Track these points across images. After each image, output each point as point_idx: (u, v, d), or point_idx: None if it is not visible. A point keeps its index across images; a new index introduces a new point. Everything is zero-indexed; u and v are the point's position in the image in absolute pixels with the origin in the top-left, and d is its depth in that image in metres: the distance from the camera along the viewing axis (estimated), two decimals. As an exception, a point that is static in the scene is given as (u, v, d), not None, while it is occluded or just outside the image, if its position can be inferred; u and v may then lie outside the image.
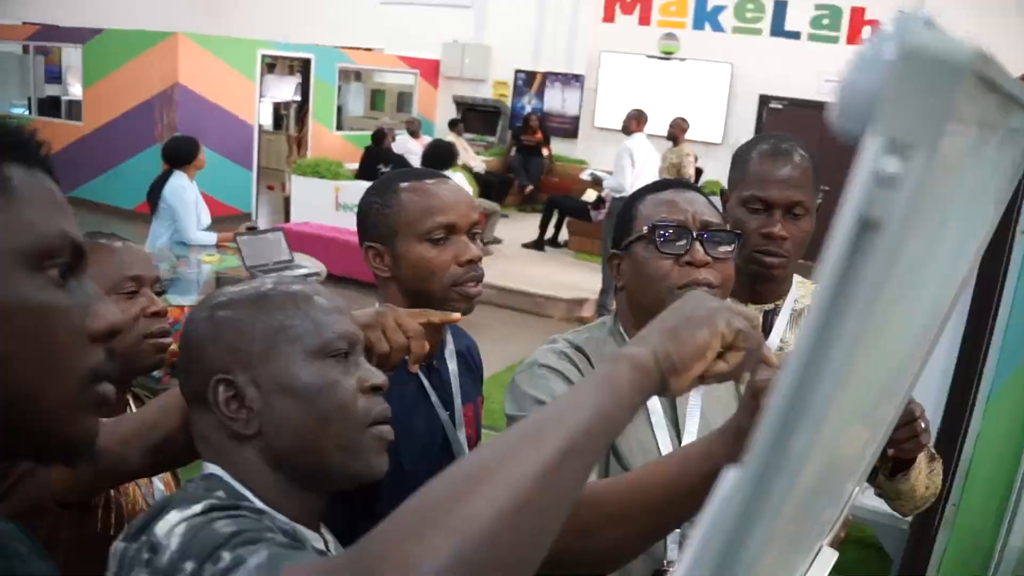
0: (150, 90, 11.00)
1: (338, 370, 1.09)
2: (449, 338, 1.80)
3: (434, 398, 1.70)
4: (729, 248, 1.45)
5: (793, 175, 1.83)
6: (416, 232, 1.62)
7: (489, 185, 12.31)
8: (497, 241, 10.63)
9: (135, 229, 5.95)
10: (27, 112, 12.56)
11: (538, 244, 10.83)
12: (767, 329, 1.93)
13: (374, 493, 1.61)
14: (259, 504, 1.05)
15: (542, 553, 0.72)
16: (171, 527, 0.91)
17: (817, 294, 0.30)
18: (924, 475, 1.84)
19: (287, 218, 10.16)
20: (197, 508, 0.93)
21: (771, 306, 1.95)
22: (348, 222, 9.38)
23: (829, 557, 1.39)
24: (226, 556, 0.84)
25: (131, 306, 1.58)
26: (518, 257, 10.32)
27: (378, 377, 1.13)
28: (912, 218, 0.30)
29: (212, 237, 5.90)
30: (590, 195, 9.86)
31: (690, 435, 1.46)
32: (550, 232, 10.96)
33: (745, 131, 12.60)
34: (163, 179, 5.80)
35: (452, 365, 1.77)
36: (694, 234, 1.43)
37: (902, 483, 1.76)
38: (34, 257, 0.71)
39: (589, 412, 0.77)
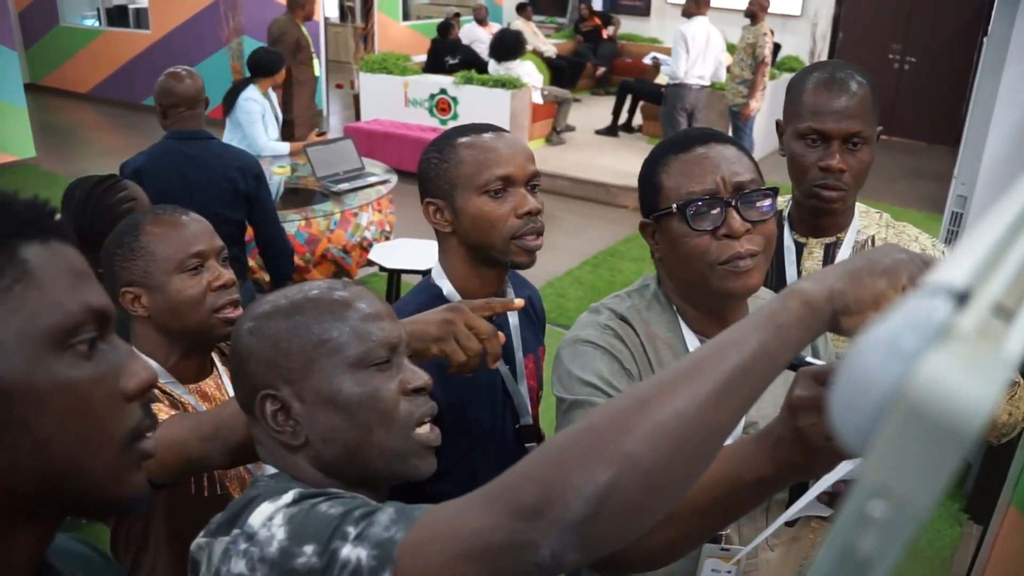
0: (214, -8, 10.91)
1: (379, 378, 1.09)
2: (510, 290, 1.78)
3: (494, 353, 1.70)
4: (768, 203, 1.34)
5: (850, 105, 1.75)
6: (474, 185, 1.61)
7: (560, 70, 12.03)
8: (570, 128, 10.45)
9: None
10: (97, 23, 12.59)
11: (611, 130, 10.60)
12: (829, 261, 1.88)
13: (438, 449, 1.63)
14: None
15: (691, 485, 0.76)
16: (267, 517, 0.92)
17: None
18: (1002, 400, 1.78)
19: (357, 116, 10.12)
20: (288, 498, 0.94)
21: (832, 239, 1.89)
22: (418, 118, 9.35)
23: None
24: (351, 530, 0.85)
25: (197, 282, 1.61)
26: (591, 144, 10.15)
27: (420, 378, 1.12)
28: (903, 549, 0.26)
29: (284, 147, 5.92)
30: (663, 78, 9.55)
31: None
32: (623, 117, 10.70)
33: (825, 2, 11.96)
34: (238, 88, 5.81)
35: (513, 318, 1.76)
36: (727, 201, 1.32)
37: None
38: (61, 336, 0.71)
39: (751, 350, 0.77)
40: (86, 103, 12.25)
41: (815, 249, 1.90)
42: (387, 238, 5.52)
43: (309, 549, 0.86)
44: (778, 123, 1.92)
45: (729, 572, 1.45)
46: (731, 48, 8.98)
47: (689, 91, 8.01)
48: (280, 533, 0.89)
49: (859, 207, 1.92)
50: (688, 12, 7.99)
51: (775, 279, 1.90)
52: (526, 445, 1.77)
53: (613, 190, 8.56)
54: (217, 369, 1.75)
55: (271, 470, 1.11)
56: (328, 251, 5.05)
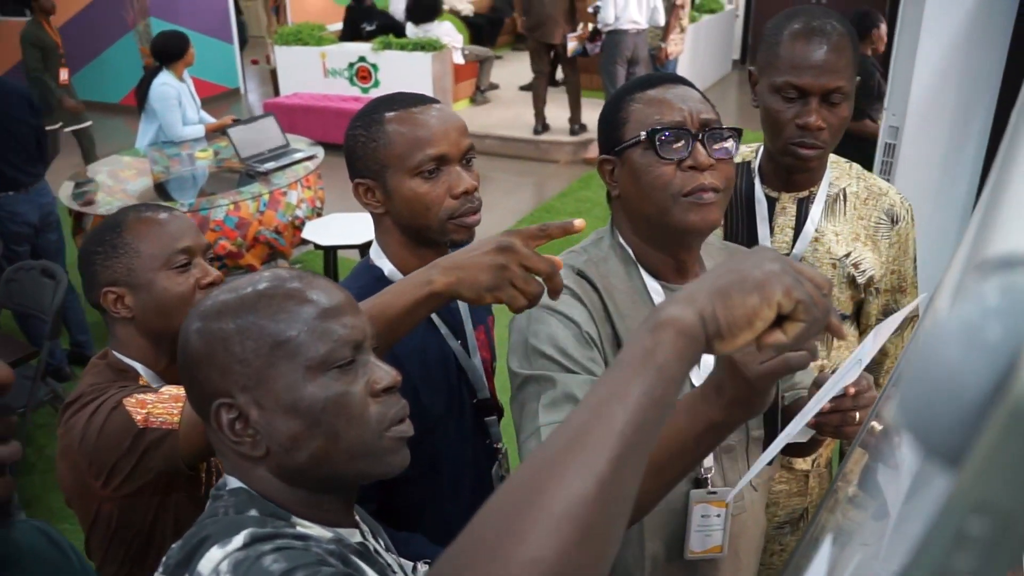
0: (115, -27, 10.49)
1: (344, 380, 1.01)
2: (453, 261, 1.72)
3: (444, 330, 1.64)
4: (729, 145, 1.34)
5: (829, 59, 1.67)
6: (406, 167, 1.53)
7: (479, 28, 11.87)
8: (494, 87, 10.35)
9: (124, 123, 5.77)
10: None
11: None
12: (802, 217, 1.83)
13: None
14: (298, 528, 1.00)
15: (616, 550, 0.68)
16: (215, 565, 0.88)
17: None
18: (898, 338, 1.80)
19: (276, 92, 9.87)
20: (238, 541, 0.89)
21: (805, 193, 1.84)
22: (338, 88, 9.19)
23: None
24: None
25: (185, 280, 1.56)
26: (516, 101, 10.04)
27: (388, 377, 1.04)
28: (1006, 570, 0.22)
29: (199, 130, 5.72)
30: (580, 28, 9.41)
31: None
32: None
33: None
34: (149, 77, 5.55)
35: (459, 291, 1.70)
36: (694, 134, 1.32)
37: None
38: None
39: (636, 403, 0.68)
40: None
41: (788, 204, 1.84)
42: (319, 214, 5.39)
43: None
44: (751, 72, 1.83)
45: (719, 515, 1.44)
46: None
47: (626, 36, 7.70)
48: None
49: (831, 159, 1.86)
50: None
51: (746, 235, 1.86)
52: (485, 419, 1.73)
53: (543, 145, 8.50)
54: None
55: (233, 483, 1.04)
56: (260, 233, 4.92)
